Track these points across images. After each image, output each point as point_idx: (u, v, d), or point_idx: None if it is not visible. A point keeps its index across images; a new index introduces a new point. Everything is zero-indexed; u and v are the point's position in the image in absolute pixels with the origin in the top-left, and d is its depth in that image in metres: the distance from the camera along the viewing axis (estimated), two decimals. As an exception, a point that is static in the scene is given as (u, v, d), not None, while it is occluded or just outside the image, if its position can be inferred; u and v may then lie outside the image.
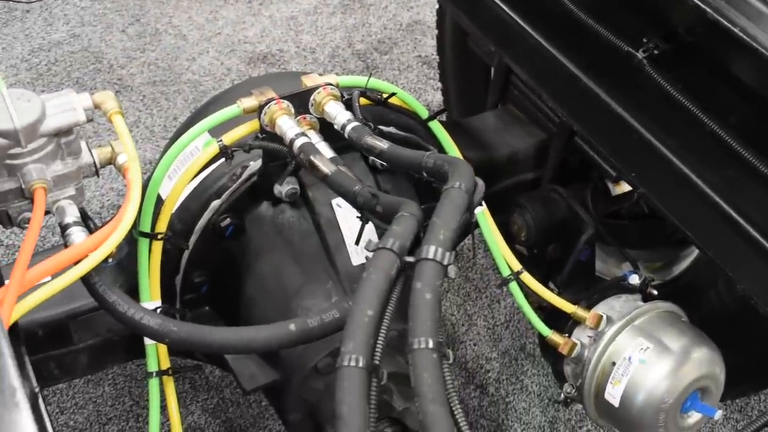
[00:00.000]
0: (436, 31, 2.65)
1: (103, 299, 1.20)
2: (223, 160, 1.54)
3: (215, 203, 1.61)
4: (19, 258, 1.04)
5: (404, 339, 1.59)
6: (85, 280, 1.19)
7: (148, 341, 1.51)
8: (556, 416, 2.38)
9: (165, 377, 1.55)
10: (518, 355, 2.51)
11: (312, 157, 1.37)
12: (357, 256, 1.62)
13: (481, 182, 1.15)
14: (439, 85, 2.80)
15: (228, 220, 1.61)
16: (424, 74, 3.28)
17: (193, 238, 1.62)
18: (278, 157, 1.52)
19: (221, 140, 1.50)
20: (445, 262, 0.98)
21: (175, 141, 1.72)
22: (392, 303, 0.98)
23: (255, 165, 1.61)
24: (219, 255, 1.66)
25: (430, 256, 0.98)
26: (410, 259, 1.01)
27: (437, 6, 2.57)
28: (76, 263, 1.15)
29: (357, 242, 1.40)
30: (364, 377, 0.89)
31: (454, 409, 0.90)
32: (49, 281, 1.10)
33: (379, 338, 0.94)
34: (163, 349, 1.54)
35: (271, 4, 3.55)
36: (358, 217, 1.31)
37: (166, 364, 1.54)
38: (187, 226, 1.62)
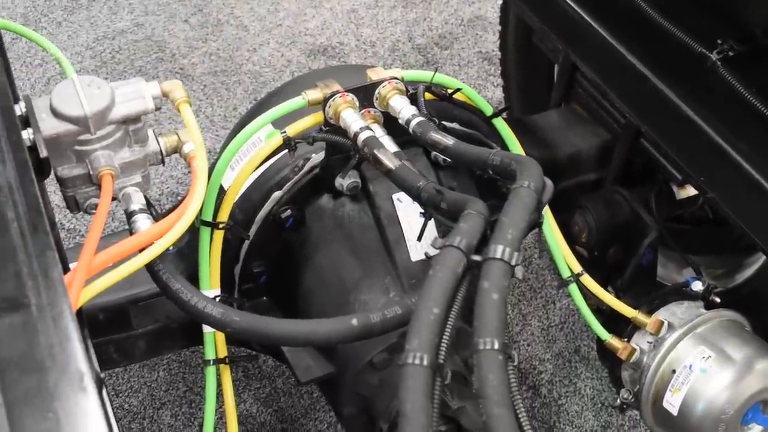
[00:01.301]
0: (499, 27, 2.62)
1: (166, 287, 1.21)
2: (285, 151, 1.54)
3: (276, 194, 1.61)
4: (87, 243, 1.05)
5: (461, 337, 1.58)
6: (150, 267, 1.20)
7: (206, 330, 1.52)
8: (609, 421, 2.35)
9: (222, 365, 1.56)
10: (572, 358, 2.48)
11: (376, 152, 1.36)
12: (416, 252, 1.61)
13: (549, 182, 1.13)
14: (499, 81, 2.77)
15: (288, 212, 1.62)
16: (485, 70, 3.25)
17: (253, 229, 1.63)
18: (341, 150, 1.52)
19: (285, 132, 1.50)
20: (513, 263, 0.97)
21: (237, 131, 1.73)
22: (458, 302, 0.97)
23: (317, 157, 1.61)
24: (278, 246, 1.67)
25: (498, 255, 0.97)
26: (477, 257, 1.00)
27: (501, 2, 2.55)
28: (141, 251, 1.16)
29: (419, 238, 1.39)
30: (428, 376, 0.88)
31: (518, 412, 0.89)
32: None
33: (444, 337, 0.93)
34: (221, 338, 1.54)
35: (332, -4, 3.55)
36: (421, 213, 1.30)
37: (223, 352, 1.55)
38: (248, 217, 1.63)
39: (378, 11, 3.48)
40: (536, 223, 1.07)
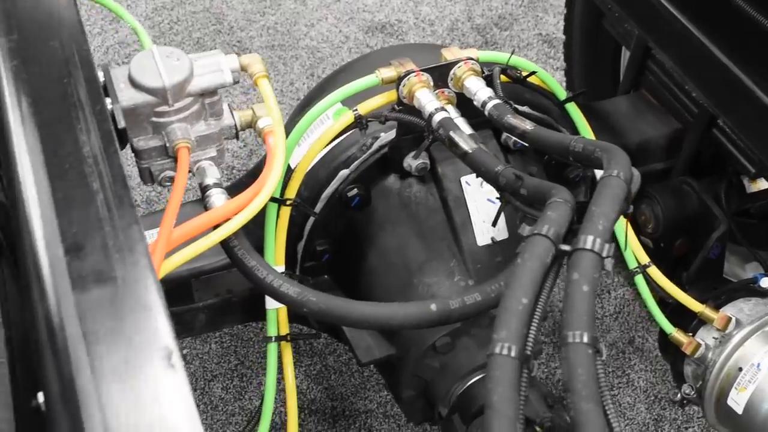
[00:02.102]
0: (565, 10, 2.57)
1: (241, 263, 1.20)
2: (352, 130, 1.52)
3: (343, 172, 1.59)
4: (166, 217, 1.04)
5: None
6: (225, 243, 1.19)
7: (269, 306, 1.51)
8: (661, 414, 2.31)
9: (283, 343, 1.55)
10: (626, 348, 2.44)
11: (452, 133, 1.33)
12: (482, 236, 1.59)
13: (636, 172, 1.10)
14: (559, 64, 2.73)
15: (355, 191, 1.60)
16: (544, 53, 3.20)
17: (318, 206, 1.61)
18: (413, 130, 1.49)
19: (356, 110, 1.48)
20: (604, 254, 0.94)
21: (303, 107, 1.71)
22: (545, 292, 0.95)
23: (386, 137, 1.58)
24: (342, 225, 1.65)
25: (588, 246, 0.94)
26: (566, 247, 0.97)
27: (568, -16, 2.49)
28: (216, 227, 1.14)
29: (494, 224, 1.36)
30: (516, 367, 0.86)
31: (606, 408, 0.86)
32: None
33: (532, 328, 0.91)
34: (283, 315, 1.53)
35: (391, -27, 3.51)
36: (495, 198, 1.27)
37: (285, 330, 1.54)
38: (314, 194, 1.61)
39: (437, -11, 3.44)
40: (625, 214, 1.04)
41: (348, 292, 1.69)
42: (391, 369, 1.62)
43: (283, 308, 1.53)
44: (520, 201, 1.21)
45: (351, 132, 1.54)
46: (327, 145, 1.54)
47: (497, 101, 1.39)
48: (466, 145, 1.31)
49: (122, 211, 0.88)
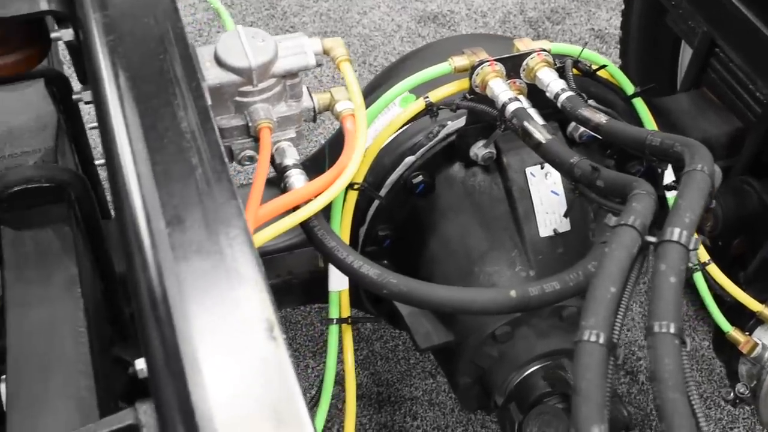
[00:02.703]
0: (622, 6, 2.56)
1: (321, 244, 1.21)
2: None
3: (409, 159, 1.60)
4: (252, 195, 1.06)
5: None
6: (305, 223, 1.20)
7: (332, 289, 1.52)
8: (706, 414, 2.31)
9: (344, 325, 1.56)
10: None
11: (526, 123, 1.34)
12: (545, 227, 1.59)
13: (718, 168, 1.10)
14: (611, 60, 2.70)
15: (420, 177, 1.61)
16: (596, 48, 3.18)
17: (382, 192, 1.62)
18: (483, 119, 1.50)
19: (427, 97, 1.49)
20: (691, 247, 0.95)
21: (367, 94, 1.72)
22: (631, 282, 0.95)
23: (453, 125, 1.59)
24: (405, 211, 1.66)
25: (675, 238, 0.94)
26: (652, 239, 0.97)
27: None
28: (295, 208, 1.16)
29: (566, 215, 1.37)
30: (604, 354, 0.87)
31: (691, 399, 0.87)
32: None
33: (618, 316, 0.92)
34: (345, 298, 1.55)
35: (445, -37, 3.51)
36: (572, 189, 1.27)
37: (346, 312, 1.56)
38: (378, 179, 1.62)
39: (490, -19, 3.43)
40: (708, 209, 1.04)
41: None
42: (449, 356, 1.63)
43: (345, 291, 1.55)
44: (595, 192, 1.22)
45: (417, 119, 1.55)
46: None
47: (570, 93, 1.40)
48: (541, 135, 1.31)
49: (220, 186, 0.89)
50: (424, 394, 2.29)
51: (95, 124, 1.28)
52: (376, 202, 1.62)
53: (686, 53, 2.31)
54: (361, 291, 1.71)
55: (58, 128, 1.43)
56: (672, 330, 0.88)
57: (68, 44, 1.22)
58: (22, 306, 1.23)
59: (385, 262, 1.73)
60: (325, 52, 1.28)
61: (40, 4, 1.13)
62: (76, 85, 1.49)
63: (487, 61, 1.44)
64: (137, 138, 0.93)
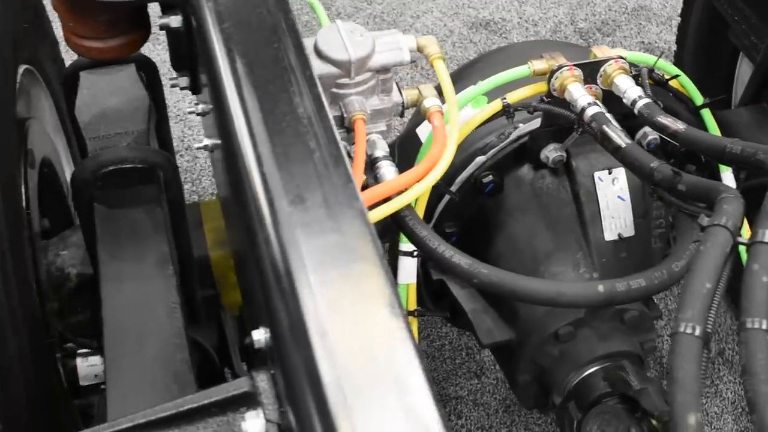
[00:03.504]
0: (679, 20, 2.59)
1: (413, 233, 1.26)
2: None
3: (480, 159, 1.64)
4: (352, 182, 1.10)
5: (644, 320, 1.59)
6: (397, 213, 1.25)
7: (401, 281, 1.56)
8: (748, 427, 2.33)
9: (410, 318, 1.60)
10: (716, 359, 2.46)
11: (605, 128, 1.37)
12: (610, 231, 1.63)
13: (804, 176, 1.14)
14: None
15: (490, 177, 1.64)
16: (645, 62, 3.21)
17: (452, 189, 1.66)
18: (557, 122, 1.54)
19: (505, 98, 1.53)
20: (782, 248, 0.98)
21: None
22: (724, 280, 0.99)
23: (525, 127, 1.63)
24: (473, 209, 1.70)
25: (767, 239, 0.98)
26: (743, 240, 1.01)
27: (685, -7, 2.51)
28: (386, 200, 1.20)
29: (644, 216, 1.40)
30: (699, 346, 0.91)
31: (783, 393, 0.90)
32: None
33: (711, 311, 0.95)
34: (412, 291, 1.59)
35: (497, -29, 3.55)
36: (653, 195, 1.30)
37: (413, 305, 1.60)
38: (448, 177, 1.66)
39: (542, -10, 3.47)
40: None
41: (471, 275, 1.73)
42: (509, 353, 1.66)
43: (412, 284, 1.59)
44: (675, 196, 1.25)
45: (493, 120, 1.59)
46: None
47: (648, 100, 1.43)
48: (620, 140, 1.35)
49: (338, 169, 0.93)
50: (469, 394, 2.33)
51: (192, 109, 1.33)
52: (446, 199, 1.66)
53: (743, 68, 2.34)
54: (422, 287, 1.75)
55: (149, 112, 1.49)
56: (764, 326, 0.91)
57: (169, 30, 1.27)
58: (117, 281, 1.28)
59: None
60: (419, 50, 1.32)
61: (156, -10, 1.18)
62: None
63: (567, 65, 1.48)
64: (257, 121, 0.98)
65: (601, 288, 1.21)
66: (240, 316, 1.76)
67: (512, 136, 1.64)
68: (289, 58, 1.05)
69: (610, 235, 1.63)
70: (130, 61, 1.55)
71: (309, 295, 0.83)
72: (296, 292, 0.83)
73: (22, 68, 1.56)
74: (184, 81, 1.37)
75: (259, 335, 0.90)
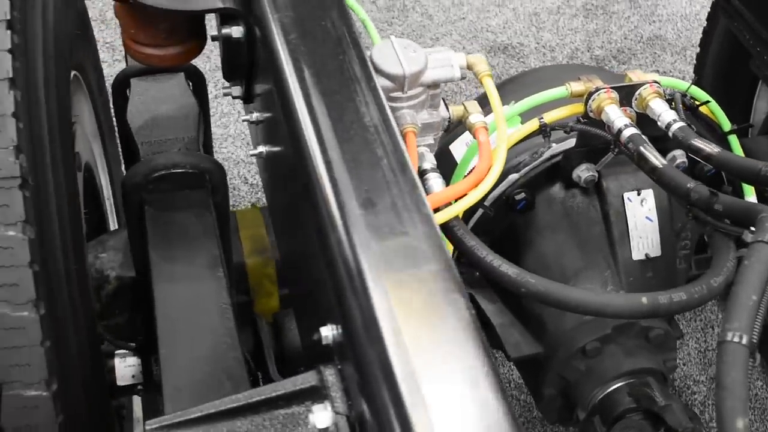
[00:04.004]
0: (693, 50, 2.65)
1: (461, 242, 1.30)
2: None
3: (513, 176, 1.68)
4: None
5: (668, 339, 1.63)
6: (445, 223, 1.29)
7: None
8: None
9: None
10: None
11: (641, 148, 1.42)
12: (638, 251, 1.67)
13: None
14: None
15: (522, 195, 1.68)
16: (660, 90, 3.27)
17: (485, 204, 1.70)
18: (591, 142, 1.58)
19: (542, 118, 1.57)
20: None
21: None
22: (766, 295, 1.03)
23: (557, 147, 1.67)
24: (503, 225, 1.74)
25: None
26: (785, 257, 1.05)
27: (705, 25, 2.57)
28: (436, 210, 1.24)
29: (677, 234, 1.44)
30: (746, 354, 0.95)
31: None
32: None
33: (757, 323, 0.99)
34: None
35: (515, -3, 3.62)
36: (688, 214, 1.34)
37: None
38: (481, 193, 1.71)
39: (559, 17, 3.53)
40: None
41: (498, 290, 1.77)
42: (536, 367, 1.70)
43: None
44: (711, 216, 1.29)
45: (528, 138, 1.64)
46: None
47: (682, 123, 1.48)
48: (657, 160, 1.39)
49: (405, 176, 0.98)
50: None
51: (246, 117, 1.37)
52: (479, 213, 1.70)
53: (761, 97, 2.40)
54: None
55: (198, 119, 1.53)
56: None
57: (228, 41, 1.31)
58: (169, 281, 1.32)
59: (477, 274, 1.81)
60: (468, 67, 1.37)
61: (223, 1, 1.23)
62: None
63: (604, 88, 1.53)
64: (326, 128, 1.02)
65: (644, 300, 1.26)
66: (274, 322, 1.80)
67: (545, 155, 1.68)
68: (354, 70, 1.10)
69: (637, 255, 1.67)
70: (180, 70, 1.60)
71: (382, 294, 0.87)
72: (369, 291, 0.87)
73: (71, 74, 1.60)
74: (236, 90, 1.42)
75: (327, 332, 0.94)
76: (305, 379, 0.94)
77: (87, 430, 1.16)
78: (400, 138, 1.02)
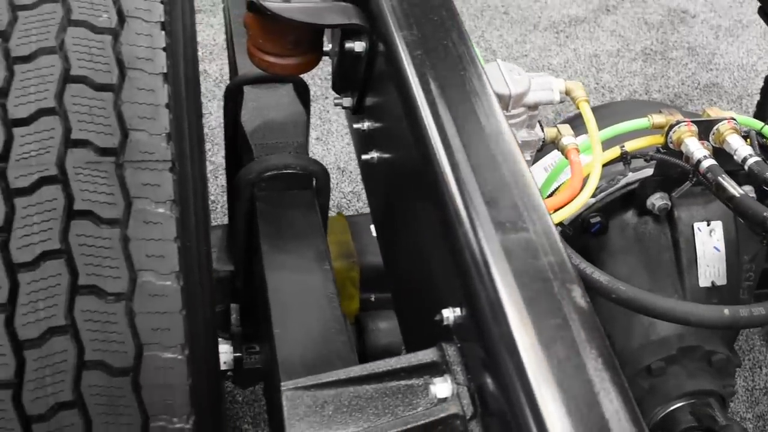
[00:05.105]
0: (749, 99, 2.75)
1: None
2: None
3: (590, 200, 1.78)
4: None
5: (729, 364, 1.72)
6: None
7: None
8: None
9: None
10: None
11: (720, 179, 1.52)
12: (704, 278, 1.76)
13: None
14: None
15: (597, 218, 1.79)
16: (715, 136, 3.37)
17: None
18: (669, 172, 1.68)
19: (623, 146, 1.68)
20: None
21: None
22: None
23: (633, 175, 1.78)
24: (578, 246, 1.83)
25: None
26: None
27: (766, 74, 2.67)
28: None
29: (751, 261, 1.54)
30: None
31: None
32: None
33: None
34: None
35: (576, 38, 3.74)
36: (763, 241, 1.44)
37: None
38: (558, 215, 1.81)
39: (619, 60, 3.65)
40: None
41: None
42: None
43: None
44: (786, 245, 1.39)
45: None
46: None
47: (758, 158, 1.58)
48: (734, 190, 1.49)
49: (524, 180, 1.09)
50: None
51: (358, 126, 1.49)
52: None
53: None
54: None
55: (306, 127, 1.65)
56: None
57: (347, 54, 1.43)
58: (280, 270, 1.43)
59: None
60: (566, 92, 1.48)
61: (352, 18, 1.35)
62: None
63: (685, 121, 1.63)
64: (452, 134, 1.13)
65: (726, 311, 1.35)
66: (357, 323, 1.90)
67: (621, 182, 1.79)
68: (474, 84, 1.21)
69: (704, 282, 1.76)
70: (288, 81, 1.72)
71: (506, 280, 0.97)
72: (494, 279, 0.98)
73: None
74: (347, 101, 1.54)
75: (449, 313, 1.04)
76: (426, 355, 1.05)
77: (206, 399, 1.26)
78: (516, 145, 1.13)
